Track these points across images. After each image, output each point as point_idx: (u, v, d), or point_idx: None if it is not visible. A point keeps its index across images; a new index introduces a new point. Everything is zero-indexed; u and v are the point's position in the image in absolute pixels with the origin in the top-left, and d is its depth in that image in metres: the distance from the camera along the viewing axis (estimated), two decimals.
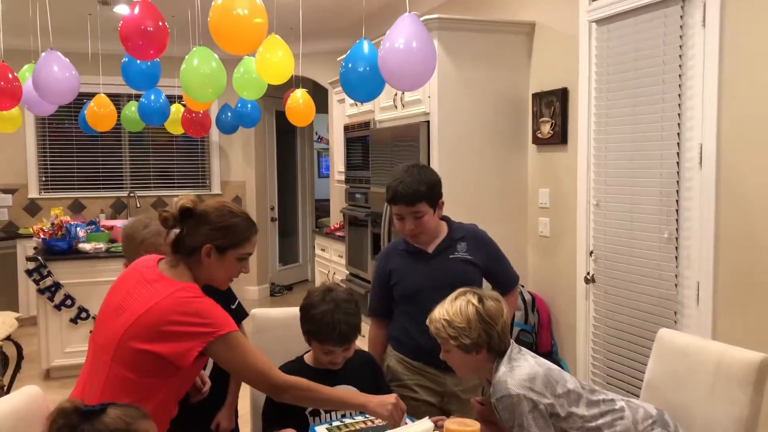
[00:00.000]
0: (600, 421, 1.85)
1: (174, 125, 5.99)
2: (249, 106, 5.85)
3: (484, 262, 2.53)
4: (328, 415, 2.12)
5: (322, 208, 9.18)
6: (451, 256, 2.49)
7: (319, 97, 5.49)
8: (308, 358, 2.24)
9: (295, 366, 2.18)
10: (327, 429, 1.94)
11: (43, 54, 3.85)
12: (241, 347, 1.83)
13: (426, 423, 1.82)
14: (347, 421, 2.02)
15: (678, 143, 3.04)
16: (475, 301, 1.89)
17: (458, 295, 1.93)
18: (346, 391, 2.03)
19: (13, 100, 3.93)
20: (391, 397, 1.91)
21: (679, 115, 3.03)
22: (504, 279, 2.62)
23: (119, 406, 1.51)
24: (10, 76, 3.91)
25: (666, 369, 2.18)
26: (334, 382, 2.11)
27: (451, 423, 1.49)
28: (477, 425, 1.49)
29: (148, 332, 1.76)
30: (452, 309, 1.90)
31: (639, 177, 3.28)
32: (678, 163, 3.05)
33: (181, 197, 1.92)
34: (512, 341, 1.94)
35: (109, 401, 1.58)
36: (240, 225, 1.93)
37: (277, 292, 8.35)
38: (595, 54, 3.55)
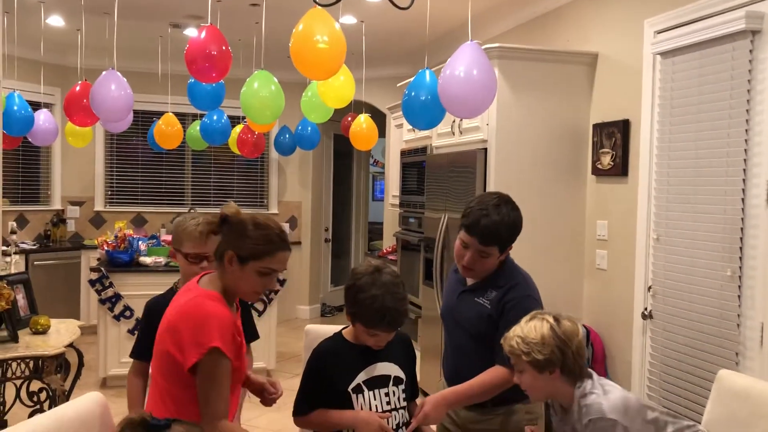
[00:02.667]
0: None
1: (236, 145, 6.16)
2: (309, 128, 5.97)
3: (499, 316, 2.25)
4: (371, 393, 2.11)
5: (375, 231, 9.24)
6: (476, 299, 2.33)
7: (376, 121, 5.56)
8: (348, 334, 2.20)
9: (334, 344, 2.18)
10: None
11: (103, 73, 4.00)
12: (214, 370, 1.81)
13: None
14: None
15: (744, 179, 2.96)
16: (550, 319, 1.91)
17: (534, 316, 1.94)
18: None
19: (92, 117, 4.10)
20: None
21: (745, 150, 2.96)
22: (501, 349, 2.12)
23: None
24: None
25: (725, 411, 2.11)
26: (374, 359, 2.12)
27: None
28: None
29: (167, 332, 1.85)
30: (527, 326, 1.91)
31: (701, 212, 3.20)
32: (743, 199, 2.96)
33: (227, 206, 1.96)
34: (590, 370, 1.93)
35: (150, 411, 1.64)
36: (266, 237, 1.91)
37: (328, 313, 8.41)
38: (659, 86, 3.50)
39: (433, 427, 2.24)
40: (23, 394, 3.47)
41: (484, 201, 2.27)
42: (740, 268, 2.98)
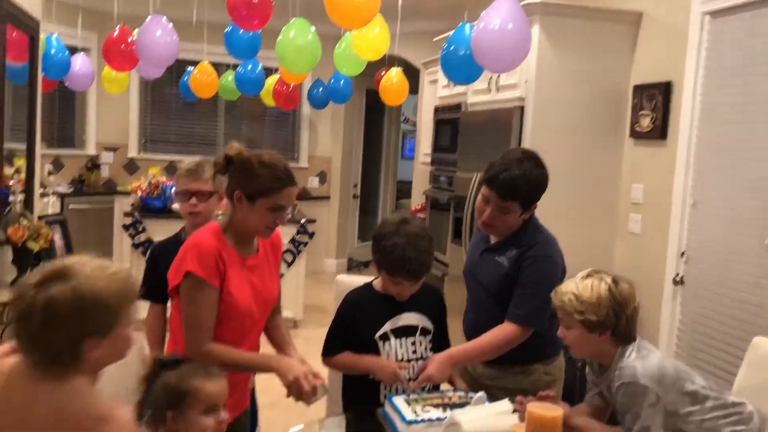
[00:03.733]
0: (721, 422, 1.82)
1: (268, 96, 6.14)
2: (342, 82, 5.92)
3: (515, 277, 2.22)
4: (398, 342, 2.16)
5: (403, 190, 9.22)
6: (496, 258, 2.29)
7: (409, 77, 5.48)
8: (377, 284, 2.24)
9: (364, 293, 2.23)
10: (405, 400, 1.97)
11: (148, 18, 3.99)
12: (194, 296, 1.88)
13: (505, 404, 1.82)
14: (424, 395, 2.04)
15: None
16: (608, 280, 1.84)
17: (591, 273, 1.88)
18: (269, 355, 2.06)
19: (130, 62, 4.11)
20: (305, 366, 1.95)
21: None
22: (513, 305, 2.21)
23: (189, 363, 1.68)
24: (129, 39, 4.08)
25: (759, 379, 2.09)
26: (401, 310, 2.16)
27: (534, 407, 1.49)
28: (560, 410, 1.48)
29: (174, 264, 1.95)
30: (582, 284, 1.84)
31: (742, 179, 3.13)
32: None
33: (231, 145, 1.99)
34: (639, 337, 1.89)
35: (173, 339, 1.87)
36: (272, 174, 1.92)
37: (354, 267, 8.48)
38: (705, 47, 3.40)
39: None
40: None
41: (508, 156, 2.25)
42: None
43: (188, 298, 1.89)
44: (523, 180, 2.17)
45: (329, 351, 2.20)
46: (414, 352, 2.17)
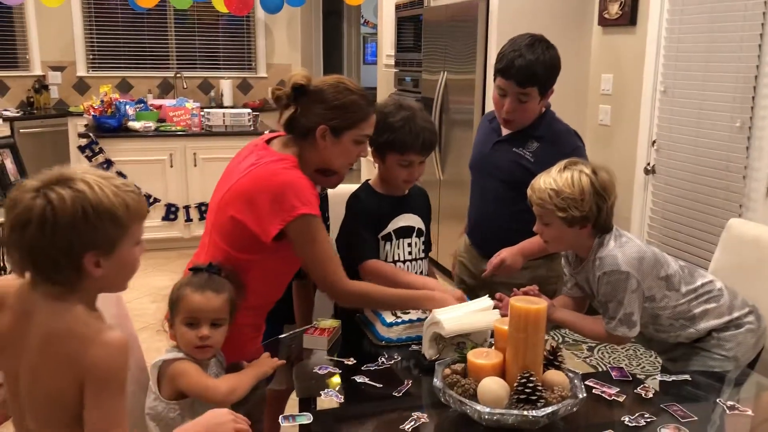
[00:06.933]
0: (693, 303, 1.83)
1: (220, 2, 5.82)
2: None
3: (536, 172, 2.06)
4: (397, 242, 2.08)
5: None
6: (514, 149, 2.22)
7: None
8: (374, 183, 2.14)
9: (365, 192, 2.12)
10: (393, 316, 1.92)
11: None
12: (313, 235, 1.73)
13: (486, 301, 1.80)
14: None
15: (762, 24, 2.81)
16: (588, 171, 1.75)
17: (568, 165, 1.78)
18: (415, 293, 1.88)
19: None
20: (456, 293, 1.87)
21: None
22: None
23: (203, 273, 1.65)
24: None
25: (734, 260, 2.11)
26: (401, 210, 2.10)
27: (517, 300, 1.46)
28: (544, 303, 1.45)
29: (238, 200, 1.73)
30: (561, 179, 1.74)
31: (714, 62, 3.07)
32: (760, 46, 2.83)
33: (295, 73, 1.78)
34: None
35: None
36: (358, 103, 1.78)
37: None
38: None
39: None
40: None
41: (516, 42, 2.15)
42: (750, 118, 2.89)
43: (307, 237, 1.72)
44: (539, 65, 2.10)
45: (371, 252, 2.04)
46: (410, 253, 2.13)
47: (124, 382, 1.24)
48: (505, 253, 2.13)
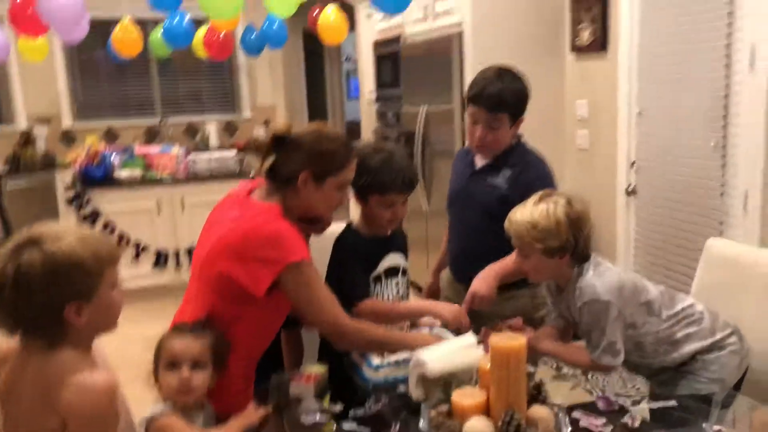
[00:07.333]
0: (675, 328, 1.84)
1: (201, 48, 5.89)
2: (276, 24, 5.69)
3: (521, 198, 2.07)
4: (386, 282, 2.10)
5: (353, 131, 9.05)
6: (488, 179, 2.29)
7: (346, 13, 5.30)
8: (358, 226, 2.15)
9: (351, 234, 2.14)
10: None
11: None
12: (307, 280, 1.73)
13: (469, 338, 1.81)
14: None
15: (728, 44, 2.87)
16: (562, 202, 1.79)
17: (543, 197, 1.82)
18: (417, 334, 1.94)
19: (42, 27, 3.84)
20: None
21: (729, 14, 2.85)
22: None
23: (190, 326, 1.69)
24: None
25: (715, 279, 2.13)
26: (387, 250, 2.11)
27: (496, 339, 1.47)
28: (523, 339, 1.47)
29: (226, 255, 1.73)
30: (537, 211, 1.77)
31: (685, 83, 3.13)
32: (727, 65, 2.89)
33: (275, 123, 1.83)
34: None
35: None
36: (338, 149, 1.81)
37: None
38: None
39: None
40: None
41: (486, 72, 2.25)
42: (724, 137, 2.94)
43: (302, 284, 1.73)
44: (507, 91, 2.19)
45: (365, 293, 2.06)
46: (397, 292, 2.15)
47: (110, 426, 1.26)
48: (476, 285, 2.12)
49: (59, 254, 1.26)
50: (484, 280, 2.12)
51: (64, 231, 1.31)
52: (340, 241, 2.16)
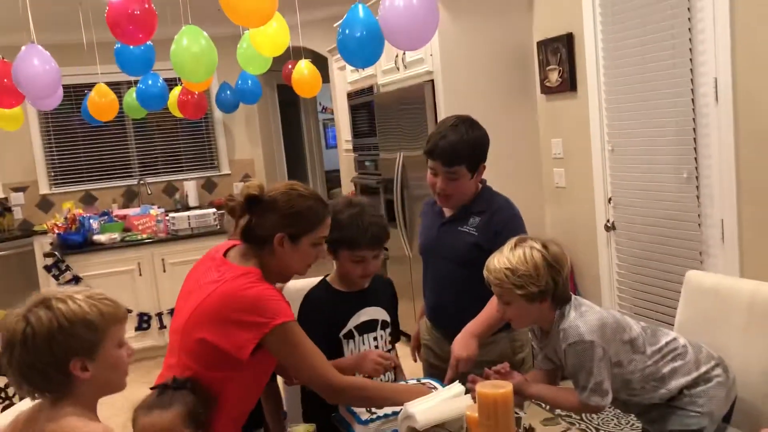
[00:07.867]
0: (660, 363, 1.84)
1: (175, 108, 5.93)
2: (250, 81, 5.76)
3: (491, 242, 2.13)
4: (361, 338, 2.08)
5: (332, 180, 9.13)
6: (459, 228, 2.29)
7: (319, 65, 5.38)
8: (333, 281, 2.14)
9: (323, 290, 2.13)
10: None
11: (23, 48, 3.70)
12: (295, 340, 1.73)
13: (457, 387, 1.79)
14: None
15: (691, 79, 2.94)
16: (538, 246, 1.78)
17: (518, 242, 1.81)
18: (409, 386, 1.92)
19: (16, 97, 3.86)
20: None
21: (690, 50, 2.93)
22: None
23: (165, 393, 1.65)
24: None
25: (697, 311, 2.13)
26: (362, 305, 2.09)
27: (483, 386, 1.46)
28: (509, 386, 1.45)
29: (207, 321, 1.71)
30: (514, 257, 1.77)
31: (654, 118, 3.19)
32: (693, 99, 2.95)
33: (247, 184, 1.82)
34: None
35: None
36: (312, 207, 1.81)
37: None
38: None
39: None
40: None
41: (442, 125, 2.27)
42: (696, 168, 2.99)
43: (288, 345, 1.72)
44: (462, 143, 2.19)
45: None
46: (376, 346, 2.12)
47: None
48: (457, 351, 2.06)
49: (66, 311, 1.36)
50: (464, 344, 2.07)
51: (74, 291, 1.42)
52: (308, 296, 2.15)
